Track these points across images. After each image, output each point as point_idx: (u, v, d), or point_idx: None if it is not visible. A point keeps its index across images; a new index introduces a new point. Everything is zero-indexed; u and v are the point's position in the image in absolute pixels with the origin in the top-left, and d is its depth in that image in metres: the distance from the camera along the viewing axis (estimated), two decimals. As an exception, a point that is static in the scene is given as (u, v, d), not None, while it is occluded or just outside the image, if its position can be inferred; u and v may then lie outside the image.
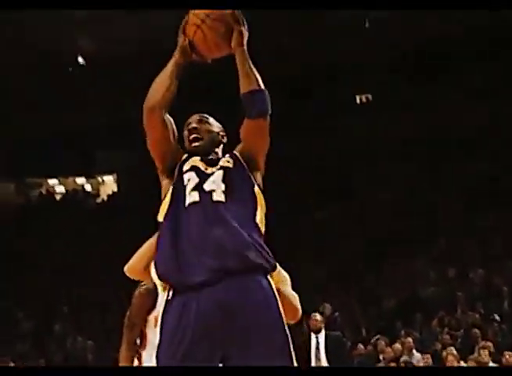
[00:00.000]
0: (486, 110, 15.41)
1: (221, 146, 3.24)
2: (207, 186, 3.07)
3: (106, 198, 22.09)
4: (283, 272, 3.40)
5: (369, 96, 19.31)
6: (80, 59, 17.70)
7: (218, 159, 3.14)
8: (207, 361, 2.81)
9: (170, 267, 2.93)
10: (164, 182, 3.15)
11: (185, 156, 3.16)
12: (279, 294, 3.00)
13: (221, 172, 3.09)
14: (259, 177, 3.13)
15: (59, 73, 17.13)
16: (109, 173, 22.72)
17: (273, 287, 2.94)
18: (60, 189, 23.54)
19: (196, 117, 3.27)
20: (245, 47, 3.12)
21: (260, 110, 3.11)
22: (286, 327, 2.88)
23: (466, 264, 12.54)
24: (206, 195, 3.04)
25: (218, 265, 2.86)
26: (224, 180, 3.06)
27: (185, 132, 3.23)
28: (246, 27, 3.11)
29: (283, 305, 2.95)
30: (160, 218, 3.05)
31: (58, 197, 22.92)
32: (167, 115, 3.11)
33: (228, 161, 3.13)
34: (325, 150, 17.06)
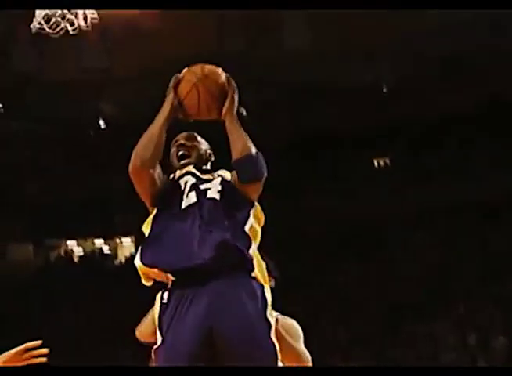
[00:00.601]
0: (510, 178, 15.40)
1: (209, 163, 3.24)
2: (203, 186, 3.09)
3: (123, 260, 22.14)
4: (295, 325, 3.40)
5: (387, 160, 19.34)
6: (101, 123, 17.98)
7: (212, 170, 3.16)
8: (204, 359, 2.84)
9: (156, 254, 2.93)
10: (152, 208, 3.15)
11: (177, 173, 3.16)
12: (289, 348, 3.07)
13: (219, 179, 3.11)
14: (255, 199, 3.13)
15: (79, 136, 17.40)
16: (127, 235, 22.81)
17: (257, 285, 2.95)
18: (79, 250, 23.64)
19: (184, 134, 3.25)
20: (235, 113, 3.08)
21: (252, 176, 3.09)
22: (270, 318, 2.89)
23: (488, 330, 12.41)
24: (202, 194, 3.06)
25: (201, 261, 2.88)
26: (221, 183, 3.08)
27: (173, 149, 3.23)
28: (237, 93, 3.09)
29: (290, 359, 3.01)
30: (147, 226, 3.05)
31: (76, 259, 23.03)
32: (156, 170, 3.07)
33: (225, 173, 3.15)
34: (343, 214, 17.03)
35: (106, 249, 23.52)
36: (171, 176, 3.16)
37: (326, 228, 17.11)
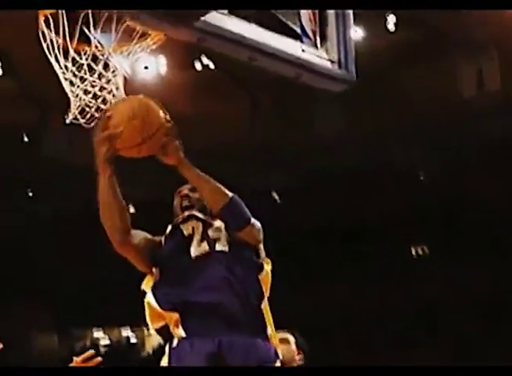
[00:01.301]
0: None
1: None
2: (211, 234, 3.07)
3: (151, 352, 21.82)
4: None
5: (425, 248, 19.16)
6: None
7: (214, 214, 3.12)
8: None
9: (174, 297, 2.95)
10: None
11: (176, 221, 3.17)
12: None
13: (223, 223, 3.09)
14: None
15: (96, 223, 17.41)
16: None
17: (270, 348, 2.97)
18: (105, 341, 23.38)
19: (187, 185, 3.24)
20: (184, 158, 3.05)
21: (241, 221, 3.06)
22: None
23: None
24: (211, 243, 3.05)
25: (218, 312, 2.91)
26: (227, 229, 3.07)
27: (177, 200, 3.24)
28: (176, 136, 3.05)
29: None
30: (147, 284, 3.05)
31: (102, 350, 22.74)
32: (135, 233, 3.10)
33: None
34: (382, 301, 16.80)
35: (133, 339, 23.28)
36: (172, 224, 3.16)
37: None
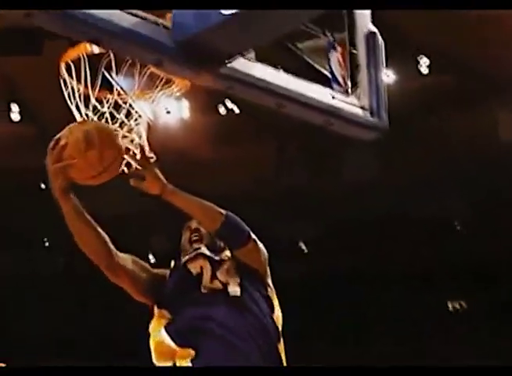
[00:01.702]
0: None
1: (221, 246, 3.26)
2: (220, 275, 3.12)
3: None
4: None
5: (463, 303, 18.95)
6: (150, 257, 18.07)
7: (222, 248, 3.19)
8: None
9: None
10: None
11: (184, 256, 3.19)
12: None
13: (233, 263, 3.14)
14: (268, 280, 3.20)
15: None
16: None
17: None
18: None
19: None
20: (167, 185, 3.09)
21: (241, 238, 3.12)
22: None
23: None
24: (222, 283, 3.11)
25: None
26: (237, 270, 3.09)
27: (186, 234, 3.30)
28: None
29: None
30: (156, 328, 3.09)
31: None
32: (126, 257, 3.12)
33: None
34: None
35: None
36: (183, 262, 3.20)
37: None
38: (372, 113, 4.15)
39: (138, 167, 3.20)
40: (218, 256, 3.24)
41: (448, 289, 17.86)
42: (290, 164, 15.41)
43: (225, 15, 3.66)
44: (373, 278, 17.59)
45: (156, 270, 3.29)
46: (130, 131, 4.48)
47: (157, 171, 3.14)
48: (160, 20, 3.81)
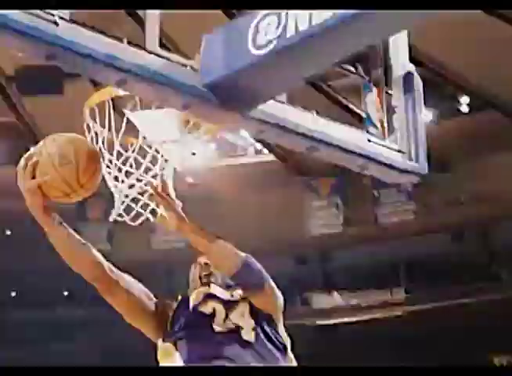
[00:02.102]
0: None
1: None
2: (234, 318, 3.09)
3: None
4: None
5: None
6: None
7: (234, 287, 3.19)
8: None
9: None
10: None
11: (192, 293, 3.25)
12: None
13: (246, 307, 3.12)
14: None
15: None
16: None
17: None
18: None
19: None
20: (184, 219, 3.08)
21: (258, 283, 3.13)
22: None
23: None
24: (236, 327, 3.09)
25: None
26: (251, 314, 3.00)
27: (196, 270, 3.30)
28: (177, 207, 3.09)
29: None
30: (166, 356, 3.11)
31: None
32: (122, 275, 3.13)
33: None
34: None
35: None
36: (193, 306, 3.19)
37: None
38: (410, 157, 4.13)
39: (163, 210, 3.22)
40: (230, 296, 3.26)
41: (494, 343, 17.61)
42: (322, 209, 15.37)
43: (255, 56, 3.67)
44: (418, 332, 17.42)
45: (160, 298, 3.31)
46: (155, 176, 4.48)
47: (178, 207, 3.16)
48: (188, 62, 3.83)
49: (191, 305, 3.25)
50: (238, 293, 3.27)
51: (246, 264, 3.14)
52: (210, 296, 3.26)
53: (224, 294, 3.25)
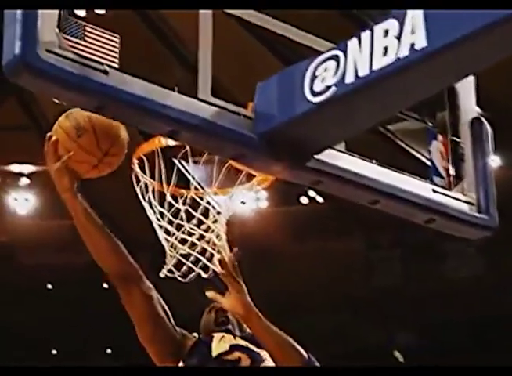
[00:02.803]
0: None
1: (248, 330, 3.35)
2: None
3: None
4: None
5: None
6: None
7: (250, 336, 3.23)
8: None
9: None
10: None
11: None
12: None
13: (269, 363, 3.26)
14: None
15: None
16: None
17: None
18: None
19: None
20: (252, 307, 3.18)
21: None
22: None
23: None
24: None
25: None
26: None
27: (211, 315, 3.43)
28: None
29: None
30: None
31: None
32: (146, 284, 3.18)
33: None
34: None
35: None
36: (206, 344, 3.36)
37: None
38: (479, 210, 4.11)
39: (222, 274, 3.27)
40: (259, 353, 3.36)
41: None
42: (383, 261, 15.28)
43: (312, 103, 3.71)
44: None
45: (178, 329, 3.40)
46: (208, 229, 4.53)
47: (243, 287, 3.19)
48: (242, 110, 3.88)
49: (214, 351, 3.31)
50: (266, 353, 3.33)
51: (310, 357, 3.28)
52: (237, 347, 3.32)
53: (253, 349, 3.32)
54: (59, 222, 15.11)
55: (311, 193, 15.47)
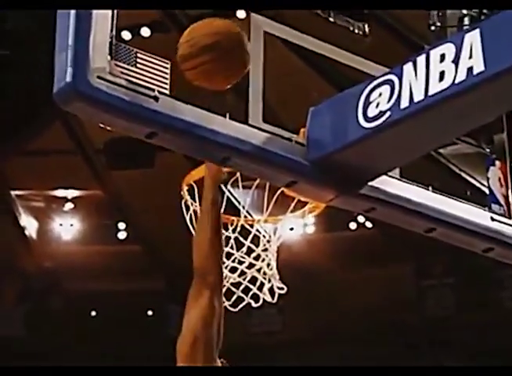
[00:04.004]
0: None
1: None
2: None
3: None
4: None
5: None
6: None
7: None
8: None
9: None
10: None
11: None
12: None
13: None
14: None
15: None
16: None
17: None
18: None
19: None
20: None
21: None
22: None
23: None
24: None
25: None
26: None
27: None
28: None
29: None
30: None
31: None
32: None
33: None
34: None
35: None
36: None
37: None
38: (539, 238, 4.06)
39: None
40: None
41: None
42: (435, 291, 15.11)
43: (366, 129, 3.70)
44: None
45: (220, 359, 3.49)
46: (258, 258, 4.53)
47: None
48: (293, 136, 3.88)
49: None
50: None
51: None
52: None
53: None
54: (103, 248, 15.23)
55: (360, 219, 15.40)
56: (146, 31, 11.78)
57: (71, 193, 15.41)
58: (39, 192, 15.56)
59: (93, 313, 16.74)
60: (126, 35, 10.29)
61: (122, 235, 15.23)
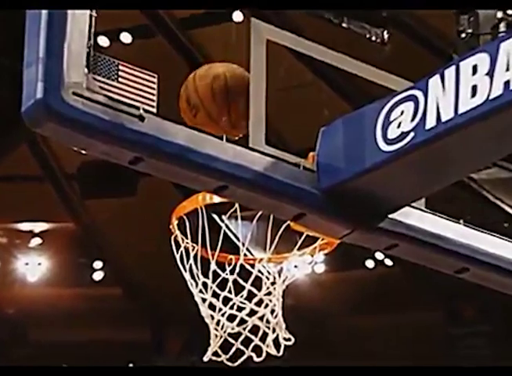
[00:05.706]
0: None
1: None
2: None
3: None
4: None
5: None
6: None
7: None
8: None
9: None
10: None
11: None
12: None
13: None
14: None
15: None
16: None
17: None
18: None
19: None
20: None
21: None
22: None
23: None
24: None
25: None
26: None
27: None
28: None
29: None
30: None
31: None
32: None
33: None
34: None
35: None
36: None
37: None
38: None
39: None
40: None
41: None
42: (466, 336, 15.15)
43: (386, 153, 3.73)
44: None
45: None
46: (260, 303, 4.55)
47: None
48: (301, 161, 3.90)
49: None
50: None
51: None
52: None
53: None
54: (76, 291, 15.22)
55: (379, 255, 15.43)
56: (126, 37, 11.77)
57: (39, 227, 15.40)
58: (0, 225, 15.55)
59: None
60: (103, 41, 10.31)
61: (98, 275, 15.21)
